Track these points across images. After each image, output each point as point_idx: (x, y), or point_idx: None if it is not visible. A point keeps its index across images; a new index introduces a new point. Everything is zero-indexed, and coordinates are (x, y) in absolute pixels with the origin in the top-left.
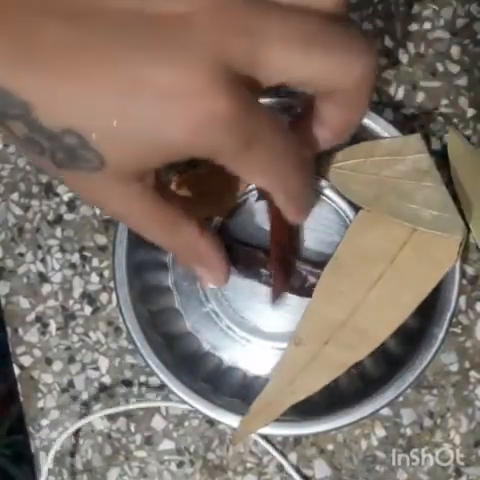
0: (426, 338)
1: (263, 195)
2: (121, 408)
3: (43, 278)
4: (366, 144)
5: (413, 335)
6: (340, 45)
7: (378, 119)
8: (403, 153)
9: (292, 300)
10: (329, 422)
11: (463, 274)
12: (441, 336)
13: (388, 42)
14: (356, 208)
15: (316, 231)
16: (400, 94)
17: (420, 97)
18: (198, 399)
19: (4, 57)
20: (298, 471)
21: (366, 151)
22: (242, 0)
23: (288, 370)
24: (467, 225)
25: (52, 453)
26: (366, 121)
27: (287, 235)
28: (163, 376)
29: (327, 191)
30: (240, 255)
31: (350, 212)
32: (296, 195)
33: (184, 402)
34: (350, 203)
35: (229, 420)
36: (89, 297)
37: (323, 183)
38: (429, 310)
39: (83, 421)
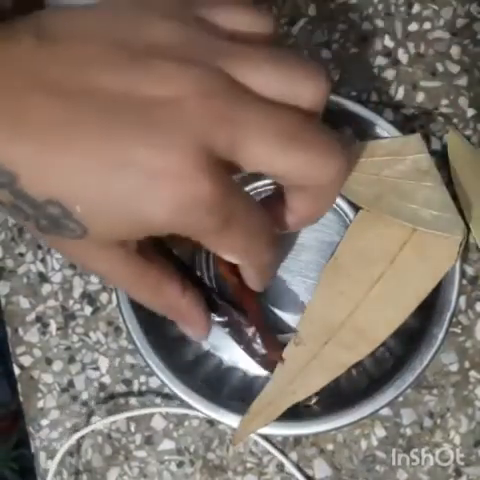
0: (426, 338)
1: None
2: (124, 415)
3: (43, 278)
4: (366, 144)
5: (413, 335)
6: (317, 144)
7: (378, 119)
8: (403, 153)
9: (292, 300)
10: (329, 422)
11: (463, 274)
12: (441, 336)
13: (388, 42)
14: (356, 208)
15: (316, 231)
16: (400, 94)
17: (420, 97)
18: (198, 399)
19: None
20: (299, 469)
21: (366, 151)
22: (226, 90)
23: (288, 370)
24: (467, 225)
25: (57, 459)
26: (366, 121)
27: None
28: (163, 376)
29: None
30: (219, 308)
31: (350, 212)
32: (265, 269)
33: (184, 403)
34: (350, 203)
35: (229, 420)
36: (89, 297)
37: None
38: (429, 310)
39: (86, 429)
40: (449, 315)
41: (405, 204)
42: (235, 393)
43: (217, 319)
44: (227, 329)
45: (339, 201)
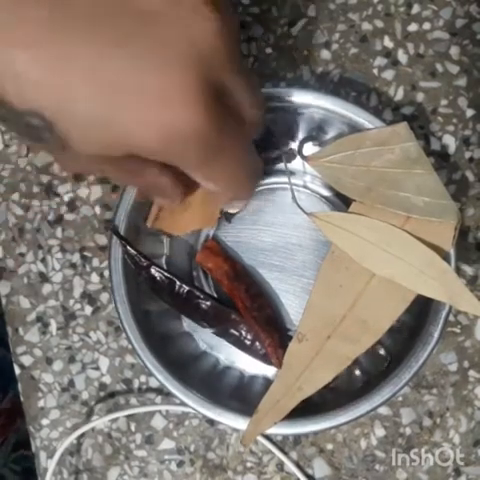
0: (422, 336)
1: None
2: (125, 413)
3: (44, 278)
4: (354, 136)
5: (409, 333)
6: None
7: (360, 112)
8: (391, 142)
9: (289, 299)
10: (327, 420)
11: (463, 274)
12: (437, 334)
13: (388, 42)
14: (349, 203)
15: (312, 230)
16: (400, 94)
17: (420, 97)
18: (196, 399)
19: None
20: (299, 469)
21: (354, 143)
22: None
23: (293, 367)
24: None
25: (56, 457)
26: (348, 115)
27: (246, 296)
28: (161, 377)
29: (322, 190)
30: (212, 312)
31: (343, 208)
32: (244, 196)
33: (183, 403)
34: (343, 199)
35: (227, 420)
36: (89, 297)
37: (318, 183)
38: (425, 308)
39: (85, 427)
40: (444, 313)
41: (397, 193)
42: (232, 392)
43: (212, 330)
44: (225, 338)
45: (332, 197)
